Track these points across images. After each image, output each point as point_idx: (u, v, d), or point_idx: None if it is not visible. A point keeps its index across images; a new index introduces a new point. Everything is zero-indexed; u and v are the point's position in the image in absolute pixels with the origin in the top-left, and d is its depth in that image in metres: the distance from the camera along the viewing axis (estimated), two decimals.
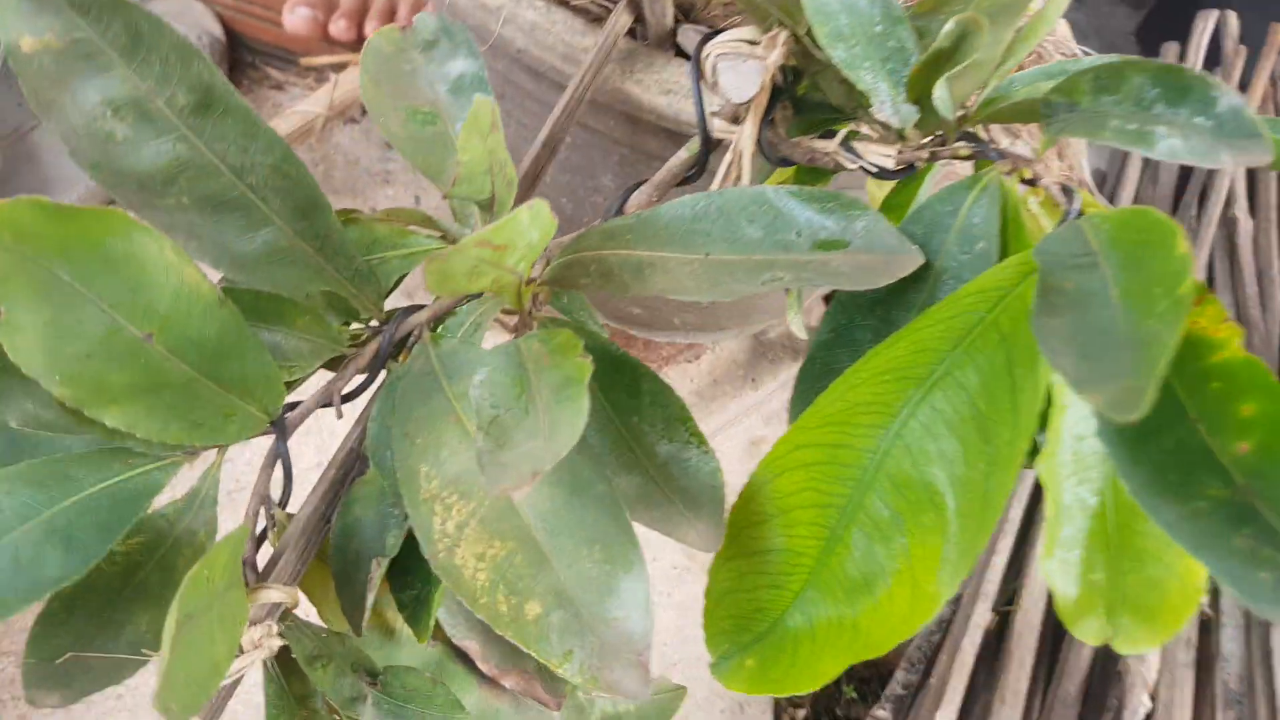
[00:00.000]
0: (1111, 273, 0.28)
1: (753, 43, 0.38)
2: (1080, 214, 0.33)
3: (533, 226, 0.30)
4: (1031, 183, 0.35)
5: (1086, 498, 0.32)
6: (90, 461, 0.34)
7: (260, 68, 1.06)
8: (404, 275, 0.40)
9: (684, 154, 0.41)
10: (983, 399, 0.30)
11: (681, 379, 0.94)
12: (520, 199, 0.47)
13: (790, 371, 0.97)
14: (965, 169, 0.38)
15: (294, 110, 0.91)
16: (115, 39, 0.33)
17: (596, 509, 0.32)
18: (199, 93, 0.34)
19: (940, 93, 0.34)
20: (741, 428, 0.91)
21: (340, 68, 1.02)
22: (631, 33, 0.58)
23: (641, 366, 0.37)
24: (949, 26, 0.34)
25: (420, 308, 0.40)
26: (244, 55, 1.06)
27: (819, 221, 0.35)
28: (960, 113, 0.37)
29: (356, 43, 1.02)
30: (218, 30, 1.01)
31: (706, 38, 0.40)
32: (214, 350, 0.33)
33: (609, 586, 0.31)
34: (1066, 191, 0.34)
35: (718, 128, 0.40)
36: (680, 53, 0.58)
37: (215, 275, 0.36)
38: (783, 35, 0.37)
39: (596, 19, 0.59)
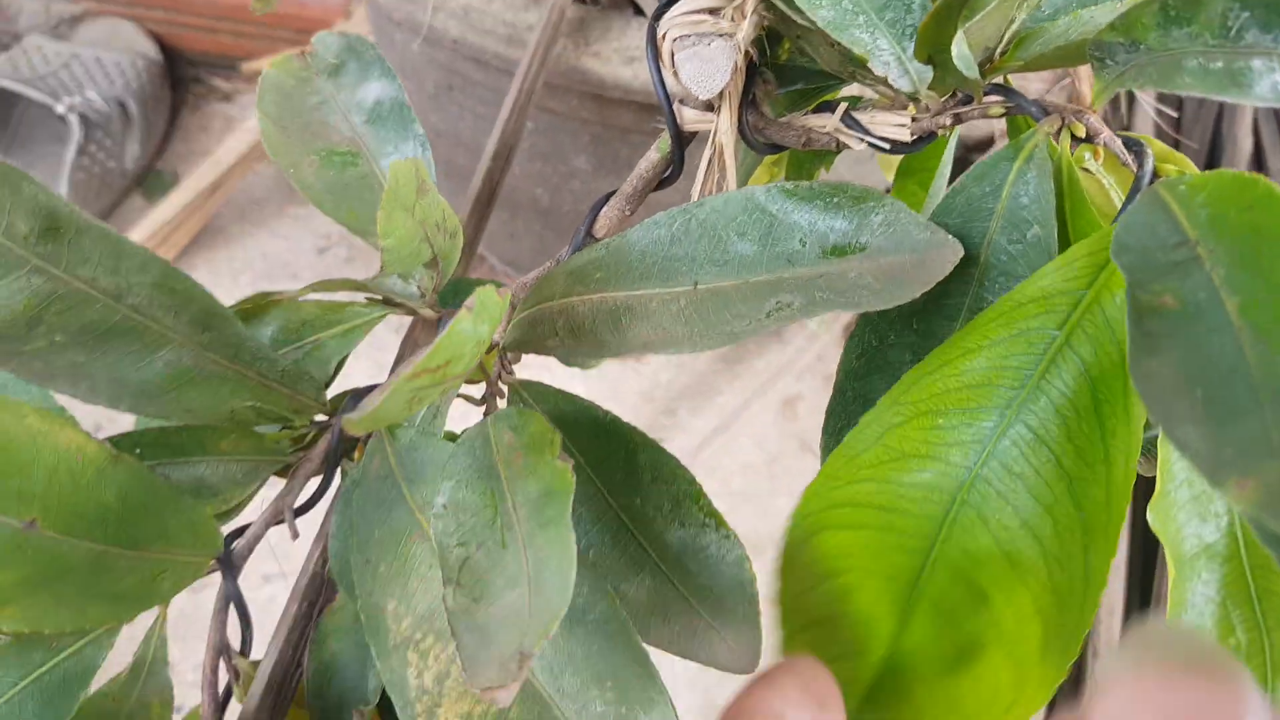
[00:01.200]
0: (1222, 274, 0.21)
1: (714, 10, 0.31)
2: (1154, 177, 0.26)
3: (480, 323, 0.24)
4: (1087, 140, 0.28)
5: (1211, 537, 0.25)
6: (3, 658, 0.28)
7: (204, 80, 0.99)
8: (345, 356, 0.34)
9: (654, 154, 0.34)
10: (1069, 454, 0.24)
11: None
12: (474, 221, 0.41)
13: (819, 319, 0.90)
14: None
15: (245, 127, 0.84)
16: None
17: (601, 635, 0.27)
18: (40, 218, 0.28)
19: (959, 49, 0.27)
20: (774, 389, 0.85)
21: None
22: None
23: (636, 433, 0.30)
24: None
25: (371, 389, 0.33)
26: (184, 70, 0.99)
27: (825, 222, 0.28)
28: (985, 57, 0.30)
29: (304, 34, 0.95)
30: (152, 50, 0.94)
31: (659, 12, 0.33)
32: (119, 515, 0.27)
33: None
34: (1133, 148, 0.27)
35: (690, 119, 0.33)
36: (640, 10, 0.51)
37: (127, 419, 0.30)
38: (750, 1, 0.30)
39: None
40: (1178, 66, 0.24)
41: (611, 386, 0.88)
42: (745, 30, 0.30)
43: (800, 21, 0.29)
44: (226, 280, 0.87)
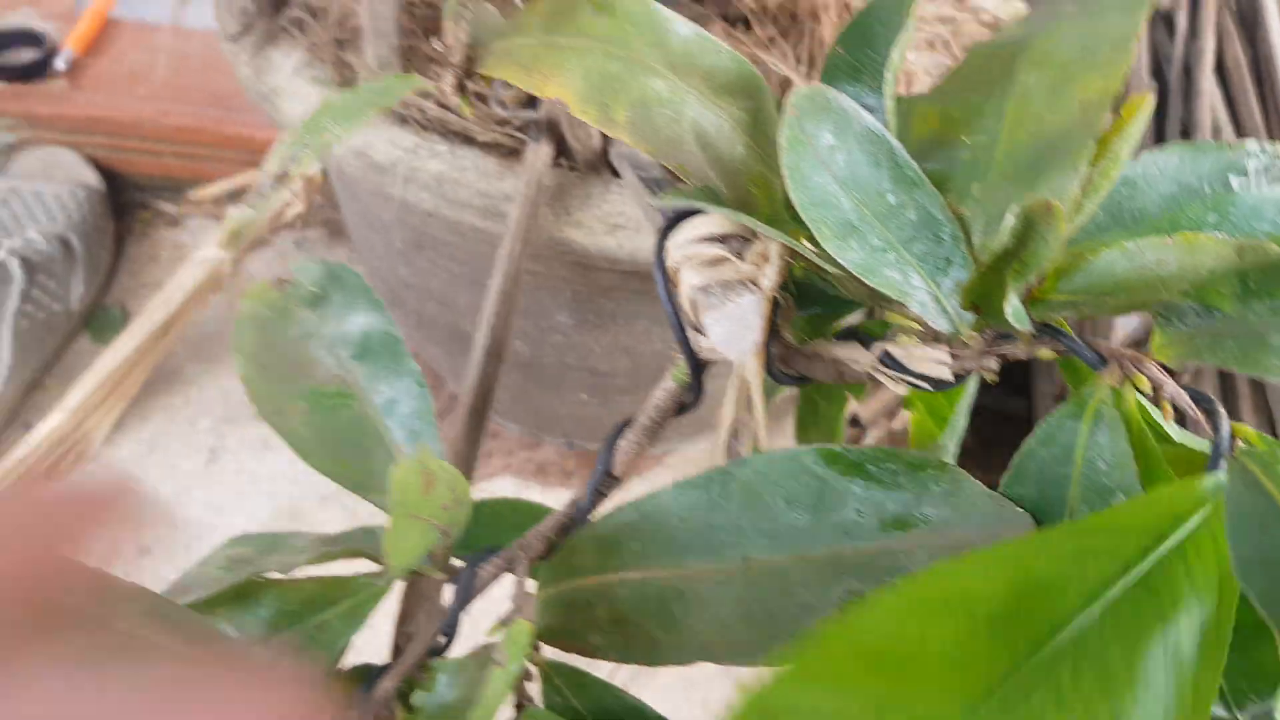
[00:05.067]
0: None
1: (724, 238, 0.29)
2: (1232, 447, 0.24)
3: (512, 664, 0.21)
4: (1155, 393, 0.26)
5: None
6: None
7: (150, 205, 0.95)
8: (354, 632, 0.31)
9: (670, 384, 0.32)
10: None
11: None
12: (472, 433, 0.38)
13: None
14: None
15: (196, 257, 0.81)
16: None
17: None
18: None
19: (1013, 307, 0.25)
20: None
21: (237, 195, 0.91)
22: (555, 160, 0.48)
23: None
24: (1010, 223, 0.24)
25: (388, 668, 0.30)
26: (131, 195, 0.95)
27: (881, 491, 0.26)
28: (1027, 289, 0.28)
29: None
30: (93, 179, 0.90)
31: (666, 230, 0.31)
32: None
33: None
34: (1203, 405, 0.25)
35: (708, 346, 0.31)
36: (616, 172, 0.49)
37: None
38: (774, 247, 0.28)
39: (512, 152, 0.49)
40: (1262, 344, 0.22)
41: None
42: (771, 277, 0.28)
43: (829, 268, 0.27)
44: (184, 428, 0.83)
